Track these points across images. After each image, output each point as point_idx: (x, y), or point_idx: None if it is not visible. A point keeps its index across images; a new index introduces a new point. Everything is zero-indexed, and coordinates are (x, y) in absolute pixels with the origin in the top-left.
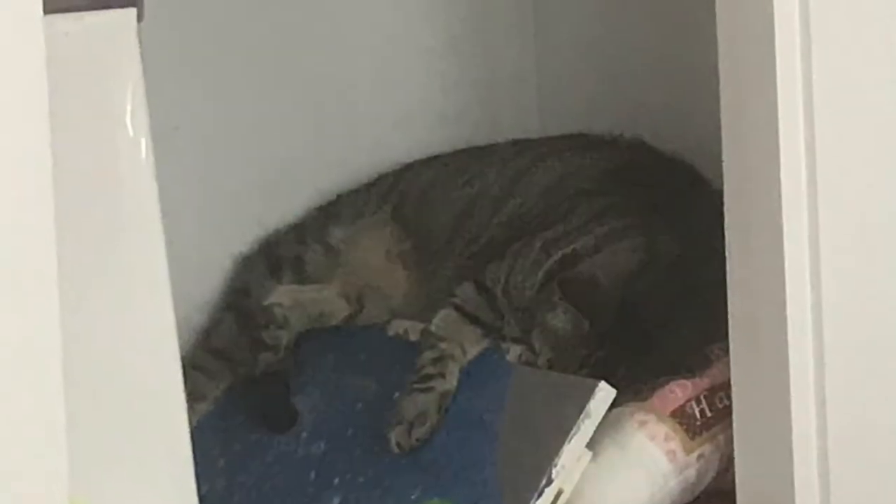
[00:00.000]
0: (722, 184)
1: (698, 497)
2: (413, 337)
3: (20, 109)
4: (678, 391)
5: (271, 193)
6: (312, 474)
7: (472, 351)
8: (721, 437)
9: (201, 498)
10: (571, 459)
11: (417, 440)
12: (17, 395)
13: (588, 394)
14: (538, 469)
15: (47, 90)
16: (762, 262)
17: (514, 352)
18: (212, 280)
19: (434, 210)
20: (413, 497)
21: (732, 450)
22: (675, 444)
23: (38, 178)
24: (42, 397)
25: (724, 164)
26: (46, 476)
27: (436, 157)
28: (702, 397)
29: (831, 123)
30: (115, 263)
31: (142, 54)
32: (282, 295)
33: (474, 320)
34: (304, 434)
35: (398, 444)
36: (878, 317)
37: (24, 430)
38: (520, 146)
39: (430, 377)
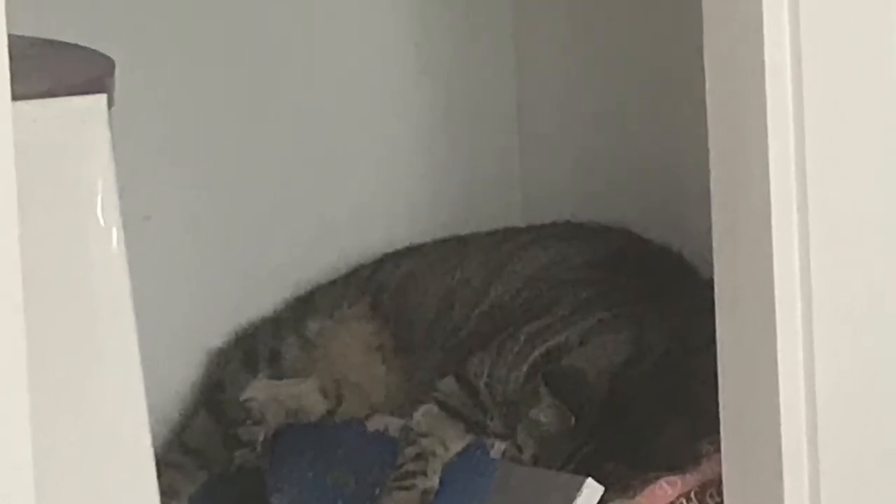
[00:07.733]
0: (711, 274)
1: None
2: (394, 433)
3: None
4: (668, 488)
5: (247, 285)
6: None
7: (455, 447)
8: None
9: None
10: None
11: None
12: None
13: (575, 490)
14: None
15: (15, 179)
16: (754, 355)
17: (498, 448)
18: (186, 374)
19: (414, 301)
20: None
21: None
22: None
23: (6, 268)
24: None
25: (714, 258)
26: None
27: (415, 247)
28: (692, 494)
29: (824, 213)
30: (85, 357)
31: (112, 141)
32: (258, 389)
33: (457, 415)
34: None
35: None
36: (874, 412)
37: None
38: (502, 235)
39: (411, 474)
